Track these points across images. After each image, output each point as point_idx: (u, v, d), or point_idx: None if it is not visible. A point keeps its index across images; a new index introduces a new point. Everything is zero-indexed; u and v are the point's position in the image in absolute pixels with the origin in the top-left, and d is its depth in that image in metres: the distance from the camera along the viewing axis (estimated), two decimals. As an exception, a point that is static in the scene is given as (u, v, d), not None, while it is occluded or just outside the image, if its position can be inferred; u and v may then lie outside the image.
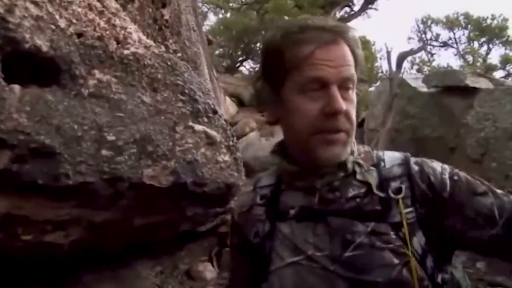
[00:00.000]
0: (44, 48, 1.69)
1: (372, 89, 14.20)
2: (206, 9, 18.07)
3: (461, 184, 0.85)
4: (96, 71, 1.92)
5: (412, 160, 0.90)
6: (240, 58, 18.08)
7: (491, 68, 17.81)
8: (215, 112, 2.45)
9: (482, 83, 6.65)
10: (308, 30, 0.86)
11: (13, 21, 1.59)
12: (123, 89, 2.00)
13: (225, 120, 2.59)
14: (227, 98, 10.22)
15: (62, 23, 1.83)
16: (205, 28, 15.49)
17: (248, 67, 18.52)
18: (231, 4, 17.96)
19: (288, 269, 0.88)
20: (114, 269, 2.62)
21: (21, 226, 1.71)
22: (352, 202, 0.87)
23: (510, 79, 16.24)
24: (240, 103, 11.58)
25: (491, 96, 5.90)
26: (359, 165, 0.89)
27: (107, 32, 2.06)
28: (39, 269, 2.24)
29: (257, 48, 15.77)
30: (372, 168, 0.90)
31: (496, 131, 5.52)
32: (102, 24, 2.06)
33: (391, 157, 0.92)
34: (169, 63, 2.32)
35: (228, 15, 18.24)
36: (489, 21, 18.93)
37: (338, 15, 15.28)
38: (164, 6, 3.32)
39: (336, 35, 0.85)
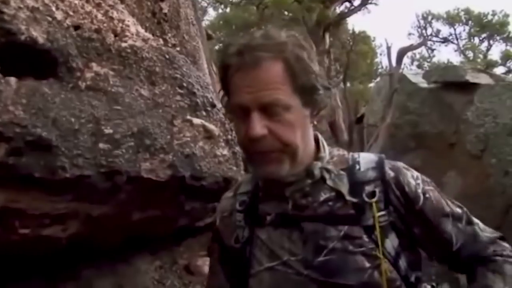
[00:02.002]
0: (41, 40, 1.67)
1: (372, 84, 14.20)
2: (205, 4, 18.05)
3: (430, 203, 0.90)
4: (93, 64, 1.90)
5: (387, 164, 0.93)
6: (240, 54, 18.03)
7: (492, 64, 17.80)
8: (213, 105, 2.44)
9: (483, 79, 6.62)
10: (237, 51, 0.84)
11: (8, 12, 1.57)
12: (121, 82, 1.99)
13: (224, 114, 2.57)
14: (227, 94, 10.19)
15: (59, 15, 1.81)
16: (205, 23, 15.45)
17: (247, 62, 18.50)
18: (230, -1, 17.89)
19: (265, 273, 0.92)
20: (113, 264, 2.62)
21: (18, 220, 1.70)
22: (325, 206, 0.90)
23: (510, 75, 16.23)
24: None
25: (491, 92, 5.89)
26: (328, 171, 0.92)
27: (105, 24, 2.05)
28: (37, 264, 2.24)
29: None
30: (342, 172, 0.92)
31: (496, 127, 5.52)
32: (100, 16, 2.05)
33: (366, 160, 0.95)
34: (167, 56, 2.31)
35: (228, 10, 18.21)
36: (490, 17, 18.92)
37: (338, 10, 15.23)
38: (162, -1, 3.29)
39: (261, 55, 0.82)
